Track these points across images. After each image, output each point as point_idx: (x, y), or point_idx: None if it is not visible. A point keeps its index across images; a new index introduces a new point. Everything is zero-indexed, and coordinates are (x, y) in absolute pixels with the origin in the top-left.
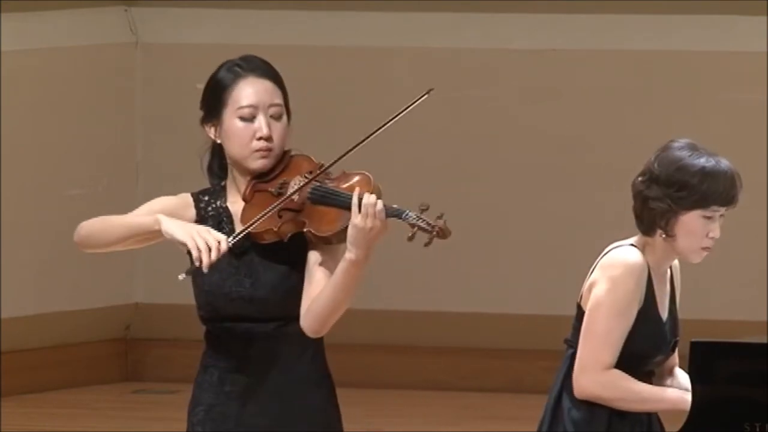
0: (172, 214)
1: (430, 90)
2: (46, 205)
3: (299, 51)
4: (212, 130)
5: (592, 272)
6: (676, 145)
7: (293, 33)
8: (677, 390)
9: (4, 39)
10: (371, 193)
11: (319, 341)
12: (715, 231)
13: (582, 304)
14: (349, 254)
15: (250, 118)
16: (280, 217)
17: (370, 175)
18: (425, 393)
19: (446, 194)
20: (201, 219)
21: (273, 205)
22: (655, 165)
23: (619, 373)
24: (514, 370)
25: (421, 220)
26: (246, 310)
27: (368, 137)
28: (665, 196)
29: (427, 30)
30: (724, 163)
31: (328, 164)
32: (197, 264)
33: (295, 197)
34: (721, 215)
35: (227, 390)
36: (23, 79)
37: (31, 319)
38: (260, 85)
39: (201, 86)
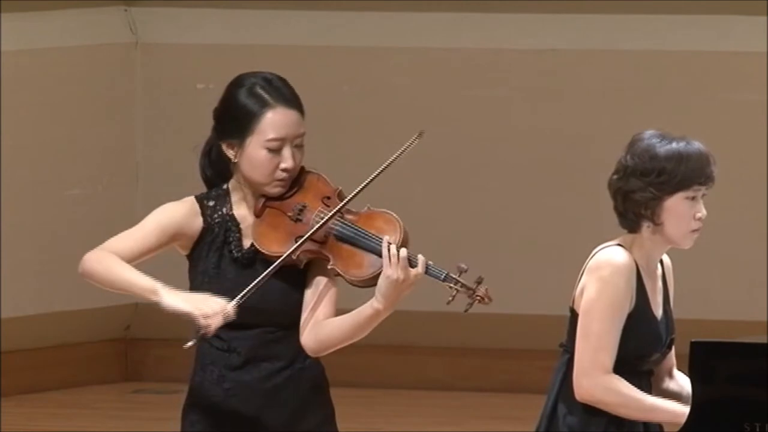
0: (181, 226)
1: (421, 132)
2: (46, 205)
3: (299, 51)
4: (231, 150)
5: (581, 276)
6: (643, 136)
7: (293, 33)
8: (677, 404)
9: (4, 39)
10: (401, 239)
11: None
12: (701, 210)
13: (575, 307)
14: (378, 304)
15: (277, 150)
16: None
17: (397, 218)
18: (425, 393)
19: (446, 194)
20: (208, 226)
21: (294, 246)
22: (628, 159)
23: (620, 379)
24: (514, 370)
25: (460, 284)
26: (255, 319)
27: (375, 176)
28: (647, 185)
29: (427, 30)
30: (695, 143)
31: (347, 198)
32: (202, 332)
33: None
34: (703, 194)
35: (226, 388)
36: (23, 79)
37: (31, 319)
38: (289, 117)
39: (201, 86)
